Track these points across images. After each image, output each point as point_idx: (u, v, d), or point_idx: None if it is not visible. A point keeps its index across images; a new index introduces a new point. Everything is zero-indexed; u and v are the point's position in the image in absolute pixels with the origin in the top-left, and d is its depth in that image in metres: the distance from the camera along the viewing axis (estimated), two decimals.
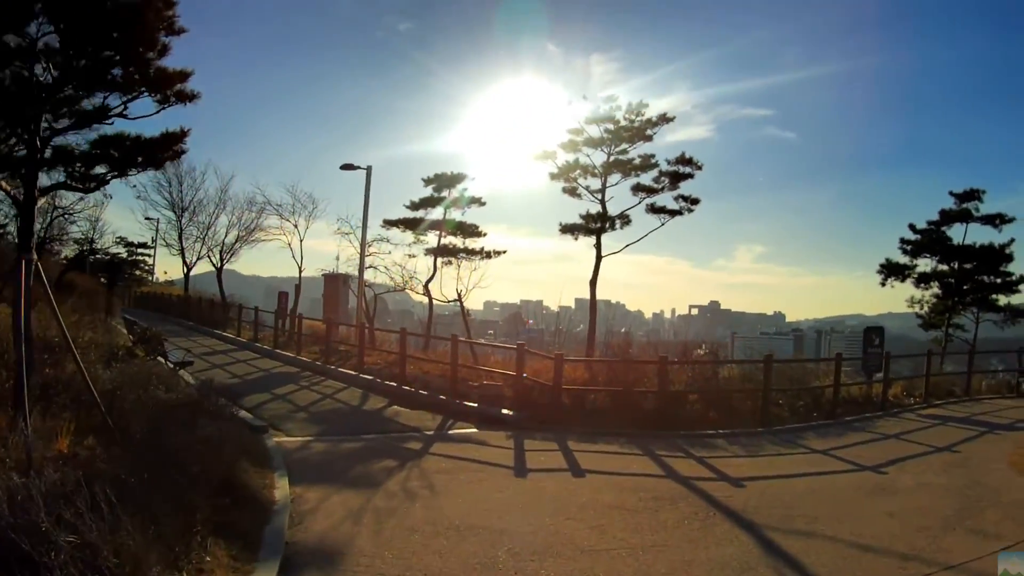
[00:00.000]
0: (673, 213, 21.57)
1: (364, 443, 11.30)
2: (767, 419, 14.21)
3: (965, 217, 29.09)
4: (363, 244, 22.76)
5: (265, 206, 35.81)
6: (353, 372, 18.41)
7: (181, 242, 40.81)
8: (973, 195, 29.09)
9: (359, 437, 11.72)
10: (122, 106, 11.85)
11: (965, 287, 28.94)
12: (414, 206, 24.44)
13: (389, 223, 24.82)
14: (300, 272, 33.25)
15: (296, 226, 33.84)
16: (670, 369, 14.45)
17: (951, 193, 29.54)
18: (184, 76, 12.11)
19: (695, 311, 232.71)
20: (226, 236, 39.55)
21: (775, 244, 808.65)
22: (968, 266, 28.90)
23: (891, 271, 30.29)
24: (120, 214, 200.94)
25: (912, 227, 30.24)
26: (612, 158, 21.17)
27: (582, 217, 21.52)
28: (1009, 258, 28.47)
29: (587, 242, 21.87)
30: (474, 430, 12.77)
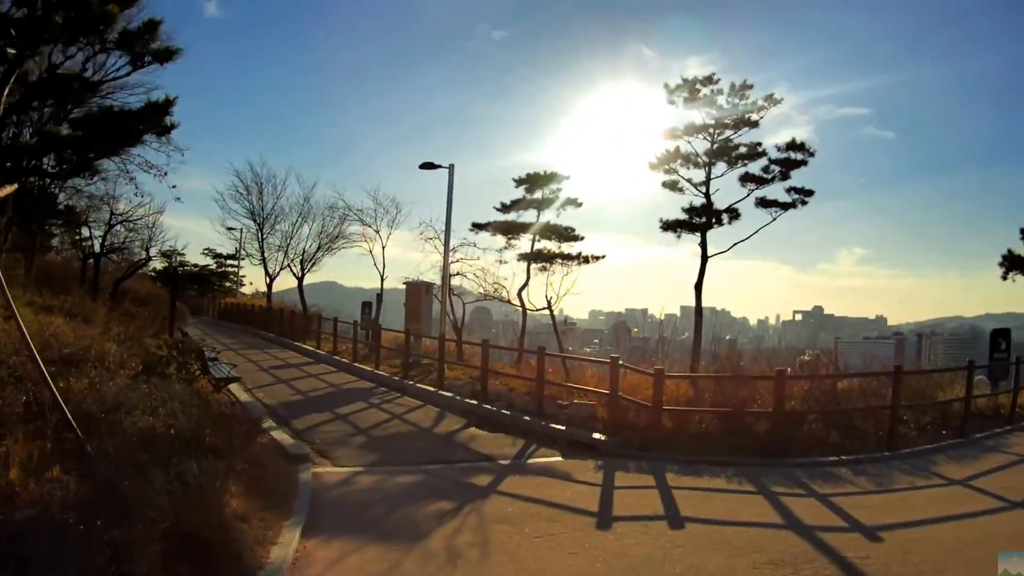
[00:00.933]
0: (785, 206, 18.97)
1: (421, 476, 9.46)
2: (894, 441, 12.08)
3: None
4: (446, 247, 21.23)
5: (347, 212, 34.40)
6: (432, 388, 16.71)
7: (263, 251, 39.50)
8: None
9: (418, 468, 9.90)
10: (80, 63, 10.39)
11: None
12: (504, 208, 22.64)
13: (478, 226, 23.07)
14: (382, 280, 31.74)
15: (378, 232, 32.41)
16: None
17: None
18: (152, 27, 10.45)
19: (799, 317, 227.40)
20: (307, 244, 37.86)
21: (875, 246, 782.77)
22: None
23: (1013, 264, 25.60)
24: (200, 224, 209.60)
25: None
26: (716, 145, 18.84)
27: (685, 211, 19.19)
28: None
29: (691, 245, 19.76)
30: (558, 458, 10.91)
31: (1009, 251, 24.81)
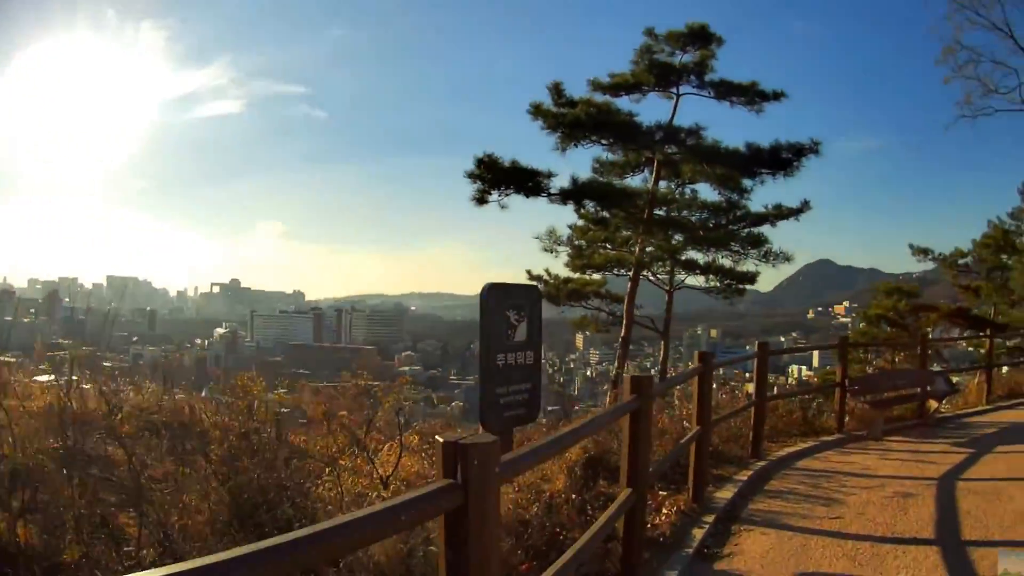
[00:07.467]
0: None
1: None
2: None
3: (675, 77, 15.69)
4: None
5: None
6: None
7: None
8: (702, 37, 15.45)
9: None
10: None
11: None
12: None
13: None
14: None
15: None
16: None
17: (649, 32, 15.92)
18: None
19: (216, 289, 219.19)
20: None
21: (296, 222, 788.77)
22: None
23: (499, 178, 14.73)
24: None
25: (557, 90, 15.49)
26: None
27: None
28: (784, 163, 15.24)
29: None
30: None
31: (487, 156, 14.71)
